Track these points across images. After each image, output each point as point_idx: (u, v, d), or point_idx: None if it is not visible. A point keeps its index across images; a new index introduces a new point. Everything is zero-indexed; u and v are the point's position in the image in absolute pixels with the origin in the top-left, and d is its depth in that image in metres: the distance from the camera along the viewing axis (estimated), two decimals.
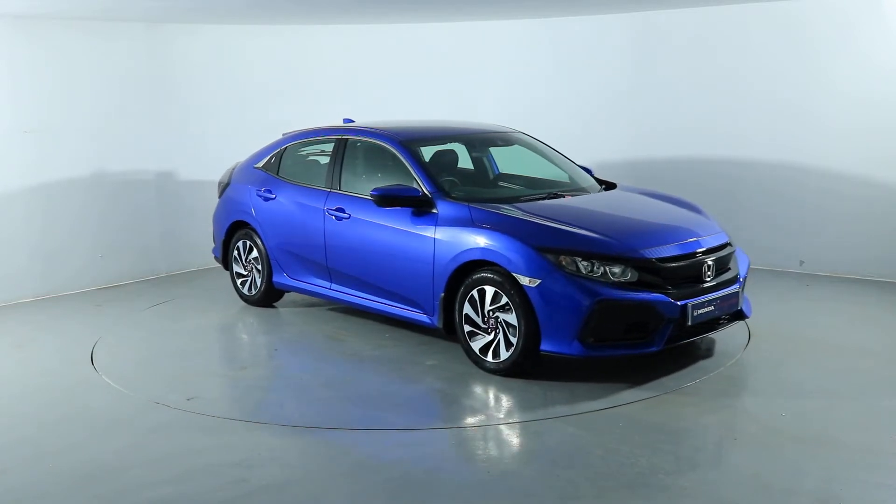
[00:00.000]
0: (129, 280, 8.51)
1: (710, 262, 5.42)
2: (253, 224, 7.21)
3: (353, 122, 7.24)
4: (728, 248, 5.71)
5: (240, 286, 7.48)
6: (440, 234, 5.70)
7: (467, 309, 5.53)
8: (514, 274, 5.23)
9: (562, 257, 5.15)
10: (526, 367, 5.33)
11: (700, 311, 5.25)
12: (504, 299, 5.30)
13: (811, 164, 7.94)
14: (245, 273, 7.41)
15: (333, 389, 5.40)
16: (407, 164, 6.14)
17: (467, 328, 5.56)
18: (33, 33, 7.68)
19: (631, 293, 5.08)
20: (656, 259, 5.22)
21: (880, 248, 7.63)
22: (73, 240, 8.12)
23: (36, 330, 6.92)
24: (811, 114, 7.89)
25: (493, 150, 7.00)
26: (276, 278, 7.11)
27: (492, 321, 5.41)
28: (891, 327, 6.33)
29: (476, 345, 5.52)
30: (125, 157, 8.40)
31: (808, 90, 7.89)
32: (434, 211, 5.80)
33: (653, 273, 5.19)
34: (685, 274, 5.32)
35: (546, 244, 5.22)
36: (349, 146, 6.72)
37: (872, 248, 7.67)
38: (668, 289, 5.18)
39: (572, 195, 6.16)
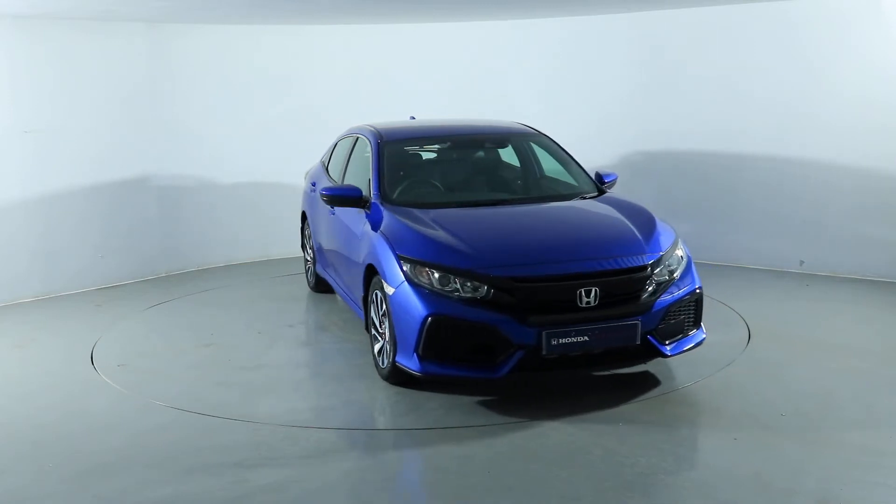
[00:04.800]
0: (129, 280, 8.51)
1: (589, 287, 4.78)
2: (307, 215, 7.60)
3: (415, 118, 7.44)
4: (637, 272, 4.93)
5: (305, 272, 7.91)
6: (365, 235, 5.70)
7: (372, 312, 5.49)
8: (382, 280, 5.16)
9: (418, 268, 4.93)
10: (401, 377, 5.13)
11: (563, 341, 4.69)
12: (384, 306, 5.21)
13: (811, 164, 7.94)
14: (309, 260, 7.77)
15: (250, 374, 5.68)
16: (370, 164, 6.16)
17: (373, 331, 5.51)
18: (33, 33, 7.67)
19: (471, 311, 4.72)
20: (512, 278, 4.76)
21: (880, 248, 7.62)
22: (73, 240, 8.11)
23: (36, 330, 6.92)
24: (811, 113, 7.88)
25: (490, 151, 6.91)
26: (317, 267, 7.43)
27: (383, 326, 5.30)
28: (891, 327, 6.33)
29: (375, 348, 5.47)
30: (126, 157, 8.40)
31: (808, 90, 7.89)
32: (368, 213, 5.82)
33: (509, 293, 4.75)
34: (551, 297, 4.78)
35: (407, 253, 5.03)
36: (358, 144, 6.83)
37: (872, 248, 7.66)
38: (524, 312, 4.70)
39: (532, 203, 5.86)
